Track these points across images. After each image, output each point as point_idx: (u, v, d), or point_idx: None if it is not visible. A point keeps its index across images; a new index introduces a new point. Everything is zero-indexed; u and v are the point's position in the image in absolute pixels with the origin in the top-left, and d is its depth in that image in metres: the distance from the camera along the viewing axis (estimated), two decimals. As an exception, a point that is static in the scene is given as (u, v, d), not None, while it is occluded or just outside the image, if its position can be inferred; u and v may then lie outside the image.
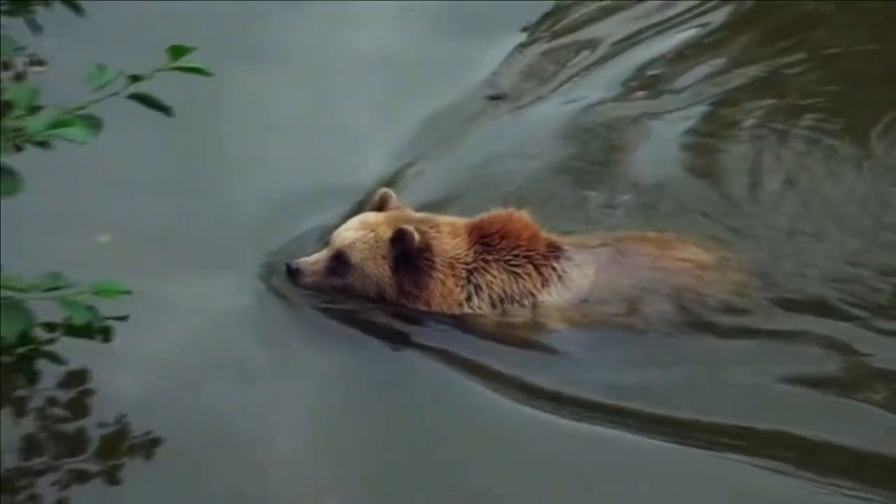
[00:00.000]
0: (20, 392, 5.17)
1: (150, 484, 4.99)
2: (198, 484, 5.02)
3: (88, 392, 5.28)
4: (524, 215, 5.85)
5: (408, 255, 5.70)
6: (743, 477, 5.03)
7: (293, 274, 5.78)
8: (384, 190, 5.95)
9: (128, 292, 3.86)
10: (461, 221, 5.87)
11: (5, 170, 3.65)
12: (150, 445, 5.08)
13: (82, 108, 3.73)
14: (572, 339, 5.71)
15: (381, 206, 5.90)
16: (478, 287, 5.75)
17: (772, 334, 5.69)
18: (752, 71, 7.57)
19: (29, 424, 5.12)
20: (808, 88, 7.36)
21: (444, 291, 5.73)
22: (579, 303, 5.74)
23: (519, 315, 5.77)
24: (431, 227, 5.78)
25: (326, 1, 8.01)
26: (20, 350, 4.01)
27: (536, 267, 5.76)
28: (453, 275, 5.74)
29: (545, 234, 5.86)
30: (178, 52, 3.80)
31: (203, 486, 5.02)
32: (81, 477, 4.97)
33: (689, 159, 6.90)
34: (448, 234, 5.78)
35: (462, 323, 5.75)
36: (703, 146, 7.00)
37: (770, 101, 7.25)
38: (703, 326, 5.72)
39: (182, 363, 5.58)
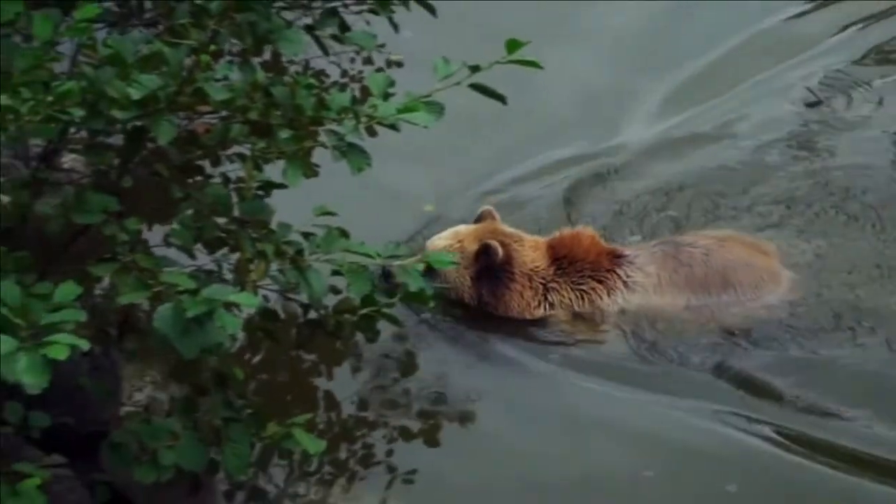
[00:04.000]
0: (357, 349, 5.63)
1: (458, 450, 5.32)
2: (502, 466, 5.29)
3: (410, 354, 5.72)
4: (590, 232, 6.00)
5: (490, 268, 5.87)
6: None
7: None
8: (487, 207, 6.11)
9: (455, 264, 4.16)
10: (543, 239, 6.03)
11: (357, 148, 4.03)
12: (464, 418, 5.45)
13: (428, 95, 4.06)
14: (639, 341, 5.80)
15: (479, 221, 6.07)
16: (552, 305, 5.93)
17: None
18: None
19: (364, 377, 5.58)
20: None
21: (522, 304, 5.92)
22: (647, 303, 5.88)
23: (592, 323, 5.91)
24: (515, 241, 5.96)
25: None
26: (363, 311, 4.37)
27: (601, 281, 5.92)
28: (531, 287, 5.93)
29: (609, 246, 6.01)
30: (513, 45, 4.07)
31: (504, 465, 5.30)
32: (404, 433, 5.35)
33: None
34: (530, 248, 5.96)
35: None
36: None
37: None
38: (756, 321, 5.81)
39: (495, 336, 5.93)
